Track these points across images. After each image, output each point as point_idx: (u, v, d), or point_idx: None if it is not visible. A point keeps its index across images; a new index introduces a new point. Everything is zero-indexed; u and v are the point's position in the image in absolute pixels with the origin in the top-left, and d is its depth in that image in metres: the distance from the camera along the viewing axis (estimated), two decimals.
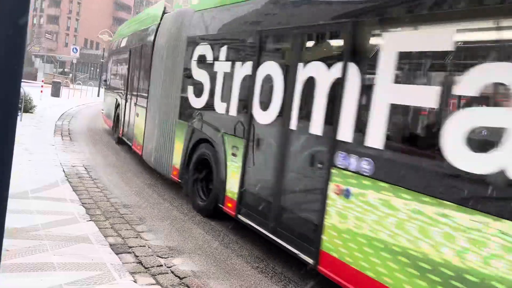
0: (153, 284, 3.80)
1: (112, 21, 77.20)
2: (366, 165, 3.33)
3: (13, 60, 0.88)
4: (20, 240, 4.10)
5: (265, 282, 4.24)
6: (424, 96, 3.01)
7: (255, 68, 4.83)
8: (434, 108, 2.99)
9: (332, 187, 3.66)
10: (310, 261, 3.91)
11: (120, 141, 10.98)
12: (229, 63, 5.38)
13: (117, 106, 11.31)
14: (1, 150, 0.90)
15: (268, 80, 4.66)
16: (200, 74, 6.05)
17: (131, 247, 4.58)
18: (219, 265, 4.49)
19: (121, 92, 11.06)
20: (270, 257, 4.88)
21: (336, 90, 3.70)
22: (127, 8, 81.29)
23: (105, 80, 14.87)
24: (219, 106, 5.51)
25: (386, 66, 3.24)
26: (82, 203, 5.74)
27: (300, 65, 4.20)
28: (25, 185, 5.93)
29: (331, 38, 4.21)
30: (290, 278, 4.40)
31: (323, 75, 3.92)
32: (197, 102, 6.09)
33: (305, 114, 4.13)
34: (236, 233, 5.53)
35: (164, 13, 8.17)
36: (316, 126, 3.97)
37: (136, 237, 4.91)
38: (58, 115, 15.61)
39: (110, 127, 12.50)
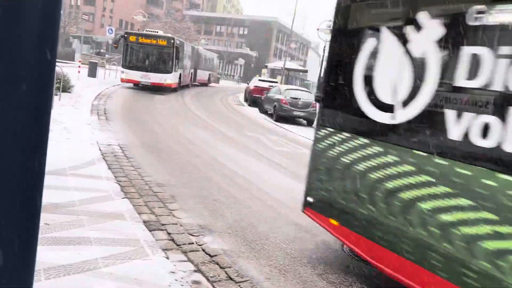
0: (185, 261, 3.89)
1: (147, 1, 77.79)
2: None
3: (47, 40, 0.89)
4: (59, 215, 4.28)
5: (294, 263, 4.26)
6: None
7: None
8: None
9: None
10: None
11: None
12: None
13: None
14: (37, 129, 0.92)
15: None
16: None
17: (164, 224, 4.70)
18: (249, 245, 4.54)
19: None
20: (300, 240, 4.89)
21: None
22: None
23: (324, 98, 4.22)
24: None
25: None
26: (117, 181, 5.91)
27: None
28: (63, 163, 6.15)
29: None
30: (319, 260, 4.41)
31: None
32: None
33: None
34: (267, 213, 5.57)
35: None
36: None
37: (169, 215, 5.02)
38: (94, 95, 16.01)
39: None
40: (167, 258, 3.85)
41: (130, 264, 3.57)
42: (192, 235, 4.56)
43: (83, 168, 6.18)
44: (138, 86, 21.54)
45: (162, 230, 4.54)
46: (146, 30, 23.85)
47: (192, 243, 4.33)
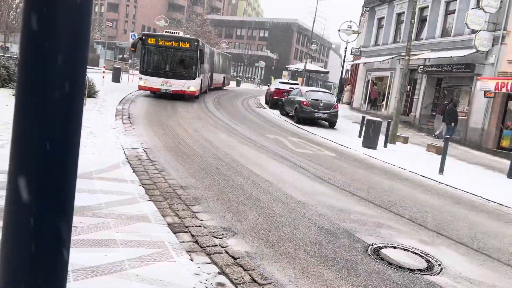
0: (209, 263, 3.93)
1: (168, 7, 78.90)
2: None
3: (79, 47, 0.92)
4: (86, 218, 4.38)
5: (317, 266, 4.24)
6: None
7: None
8: None
9: None
10: None
11: None
12: None
13: None
14: (70, 134, 0.95)
15: None
16: None
17: (188, 226, 4.75)
18: (272, 247, 4.54)
19: None
20: (323, 242, 4.87)
21: None
22: None
23: None
24: None
25: None
26: (141, 183, 6.01)
27: None
28: (90, 166, 6.29)
29: None
30: (342, 263, 4.38)
31: None
32: None
33: None
34: (289, 217, 5.56)
35: None
36: None
37: (192, 217, 5.07)
38: (118, 99, 16.32)
39: None
40: (191, 260, 3.89)
41: (156, 266, 3.62)
42: (215, 237, 4.59)
43: (108, 172, 6.31)
44: (157, 94, 19.50)
45: (186, 232, 4.59)
46: (165, 32, 21.16)
47: (216, 245, 4.37)
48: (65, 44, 0.90)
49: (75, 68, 0.93)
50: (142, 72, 18.97)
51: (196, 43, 19.04)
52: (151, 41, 18.81)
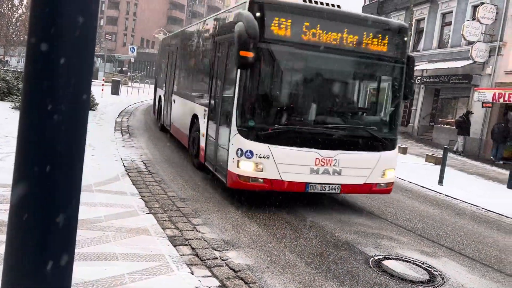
0: (209, 276, 3.89)
1: (167, 20, 79.51)
2: None
3: (85, 59, 0.93)
4: (86, 231, 4.35)
5: (319, 278, 4.21)
6: None
7: None
8: None
9: None
10: None
11: None
12: None
13: None
14: (75, 148, 0.95)
15: None
16: None
17: (188, 239, 4.71)
18: (273, 260, 4.51)
19: None
20: (325, 254, 4.83)
21: None
22: (181, 6, 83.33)
23: None
24: None
25: None
26: (141, 196, 5.98)
27: None
28: (89, 179, 6.26)
29: None
30: (344, 275, 4.34)
31: None
32: None
33: None
34: (289, 228, 5.53)
35: None
36: None
37: (192, 230, 5.04)
38: (117, 112, 16.33)
39: None
40: (192, 273, 3.85)
41: (156, 279, 3.59)
42: (216, 250, 4.56)
43: (108, 184, 6.28)
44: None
45: (186, 245, 4.56)
46: None
47: (216, 258, 4.33)
48: (72, 58, 0.90)
49: (81, 82, 0.93)
50: (244, 132, 5.80)
51: (403, 43, 6.62)
52: (283, 31, 5.73)
